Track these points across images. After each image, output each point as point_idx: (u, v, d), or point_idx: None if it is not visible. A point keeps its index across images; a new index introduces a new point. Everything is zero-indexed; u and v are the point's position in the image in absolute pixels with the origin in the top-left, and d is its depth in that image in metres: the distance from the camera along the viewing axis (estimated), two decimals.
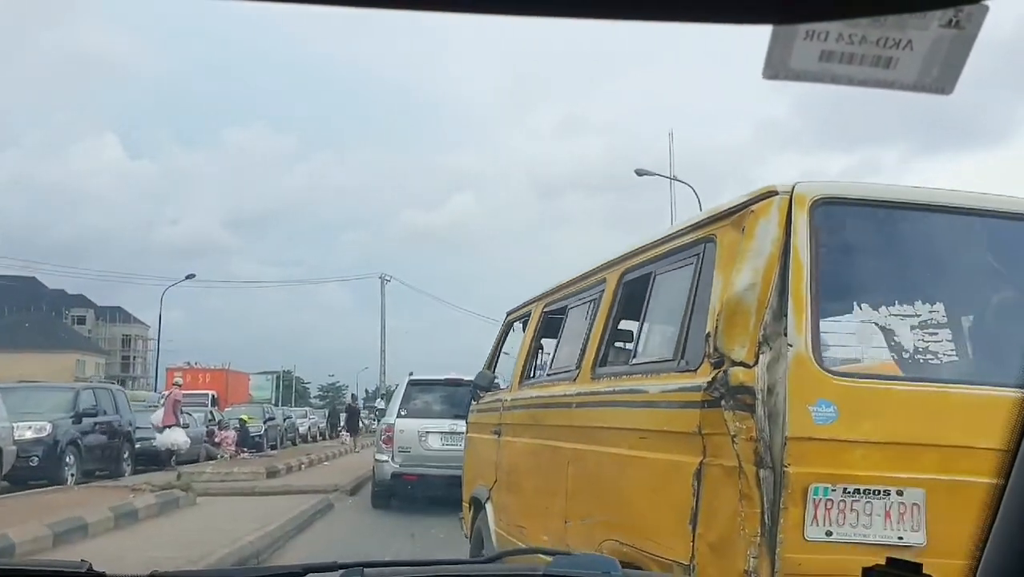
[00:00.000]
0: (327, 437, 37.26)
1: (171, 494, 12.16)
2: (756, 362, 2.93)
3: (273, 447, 29.30)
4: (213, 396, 33.33)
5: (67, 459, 14.77)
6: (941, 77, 0.97)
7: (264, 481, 16.15)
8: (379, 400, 36.78)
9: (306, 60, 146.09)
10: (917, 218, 3.24)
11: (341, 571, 1.68)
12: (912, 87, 0.99)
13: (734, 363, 3.03)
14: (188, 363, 50.73)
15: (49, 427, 14.53)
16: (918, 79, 0.98)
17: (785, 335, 2.89)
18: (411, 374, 13.97)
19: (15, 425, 13.38)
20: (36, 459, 13.97)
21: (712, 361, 3.14)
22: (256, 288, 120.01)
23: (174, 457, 18.58)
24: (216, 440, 21.63)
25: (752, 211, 3.21)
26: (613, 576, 1.66)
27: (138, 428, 18.37)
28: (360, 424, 34.00)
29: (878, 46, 0.95)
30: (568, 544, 4.07)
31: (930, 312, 3.11)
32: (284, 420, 34.82)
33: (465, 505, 7.06)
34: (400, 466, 12.67)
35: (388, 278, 48.22)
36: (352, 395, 31.07)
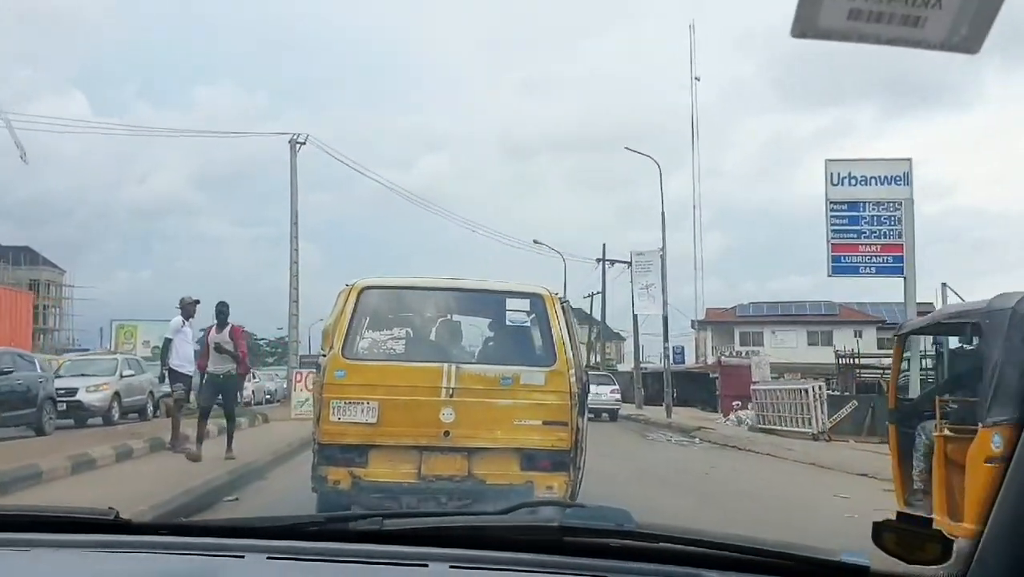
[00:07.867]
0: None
1: None
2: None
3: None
4: None
5: None
6: (969, 37, 0.99)
7: None
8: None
9: (276, 16, 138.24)
10: (399, 292, 8.04)
11: (361, 521, 1.76)
12: (939, 46, 0.99)
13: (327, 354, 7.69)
14: None
15: None
16: (946, 38, 0.98)
17: (333, 344, 7.56)
18: None
19: None
20: None
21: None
22: (226, 244, 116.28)
23: None
24: None
25: (340, 292, 7.85)
26: (627, 527, 1.66)
27: None
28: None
29: (908, 4, 0.97)
30: None
31: (398, 332, 7.86)
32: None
33: None
34: None
35: (302, 140, 32.04)
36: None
